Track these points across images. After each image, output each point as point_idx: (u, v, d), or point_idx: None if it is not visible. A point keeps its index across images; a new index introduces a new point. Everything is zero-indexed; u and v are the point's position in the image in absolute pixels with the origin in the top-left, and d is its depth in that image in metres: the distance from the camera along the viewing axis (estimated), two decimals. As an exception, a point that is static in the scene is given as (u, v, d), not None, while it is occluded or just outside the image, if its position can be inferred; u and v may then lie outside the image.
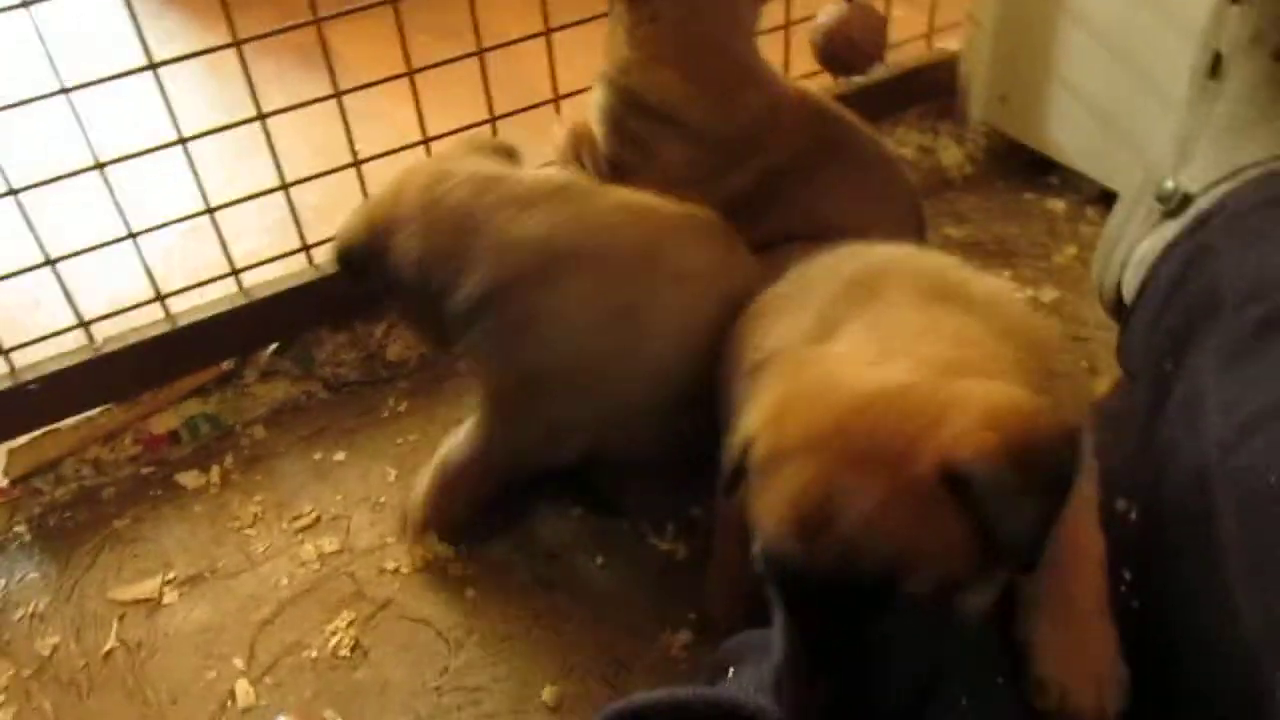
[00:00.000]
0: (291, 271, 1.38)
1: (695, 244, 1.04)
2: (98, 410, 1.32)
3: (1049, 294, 1.39)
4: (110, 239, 1.27)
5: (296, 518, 1.22)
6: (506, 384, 1.05)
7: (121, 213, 1.24)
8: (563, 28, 1.38)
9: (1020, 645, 0.75)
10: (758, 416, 0.70)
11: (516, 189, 1.05)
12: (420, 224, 1.06)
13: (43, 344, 1.29)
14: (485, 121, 1.41)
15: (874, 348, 0.73)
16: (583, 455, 1.10)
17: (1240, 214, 0.91)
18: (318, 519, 1.21)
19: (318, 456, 1.29)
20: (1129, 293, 1.04)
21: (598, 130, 1.23)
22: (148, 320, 1.32)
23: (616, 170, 1.21)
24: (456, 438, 1.12)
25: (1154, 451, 0.80)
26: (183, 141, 1.23)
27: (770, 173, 1.18)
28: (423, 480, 1.14)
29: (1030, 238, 1.50)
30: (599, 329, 1.01)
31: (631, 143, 1.19)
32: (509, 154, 1.18)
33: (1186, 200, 0.98)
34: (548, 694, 1.01)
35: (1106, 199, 1.46)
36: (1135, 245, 1.05)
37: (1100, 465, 0.87)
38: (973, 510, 0.62)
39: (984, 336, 0.73)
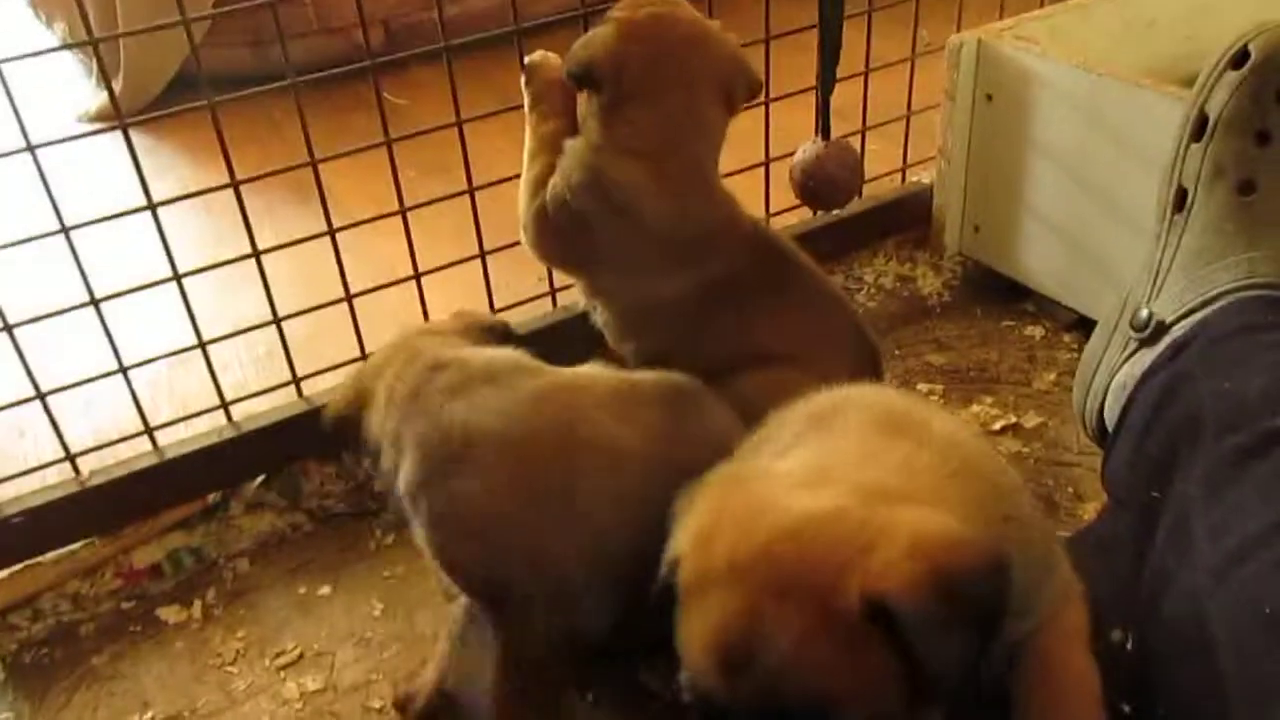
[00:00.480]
0: (280, 404, 1.38)
1: (623, 417, 1.02)
2: (80, 544, 1.30)
3: (1031, 420, 1.41)
4: (99, 373, 1.27)
5: (279, 654, 1.19)
6: (465, 580, 1.03)
7: (114, 347, 1.25)
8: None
9: None
10: (685, 536, 0.69)
11: (458, 374, 1.04)
12: (382, 403, 1.07)
13: (27, 476, 1.28)
14: (474, 257, 1.44)
15: (811, 472, 0.71)
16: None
17: (1216, 340, 0.93)
18: (301, 655, 1.19)
19: (302, 590, 1.27)
20: (1111, 419, 1.06)
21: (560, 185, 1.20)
22: (134, 453, 1.31)
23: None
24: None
25: (1145, 580, 0.80)
26: (178, 278, 1.25)
27: (707, 286, 1.17)
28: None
29: (1010, 364, 1.52)
30: (522, 512, 0.99)
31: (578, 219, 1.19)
32: (502, 334, 1.18)
33: (1161, 328, 1.01)
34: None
35: (1083, 324, 1.50)
36: (1114, 372, 1.07)
37: (1091, 594, 0.87)
38: (899, 643, 0.61)
39: (931, 470, 0.71)
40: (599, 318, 1.24)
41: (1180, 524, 0.78)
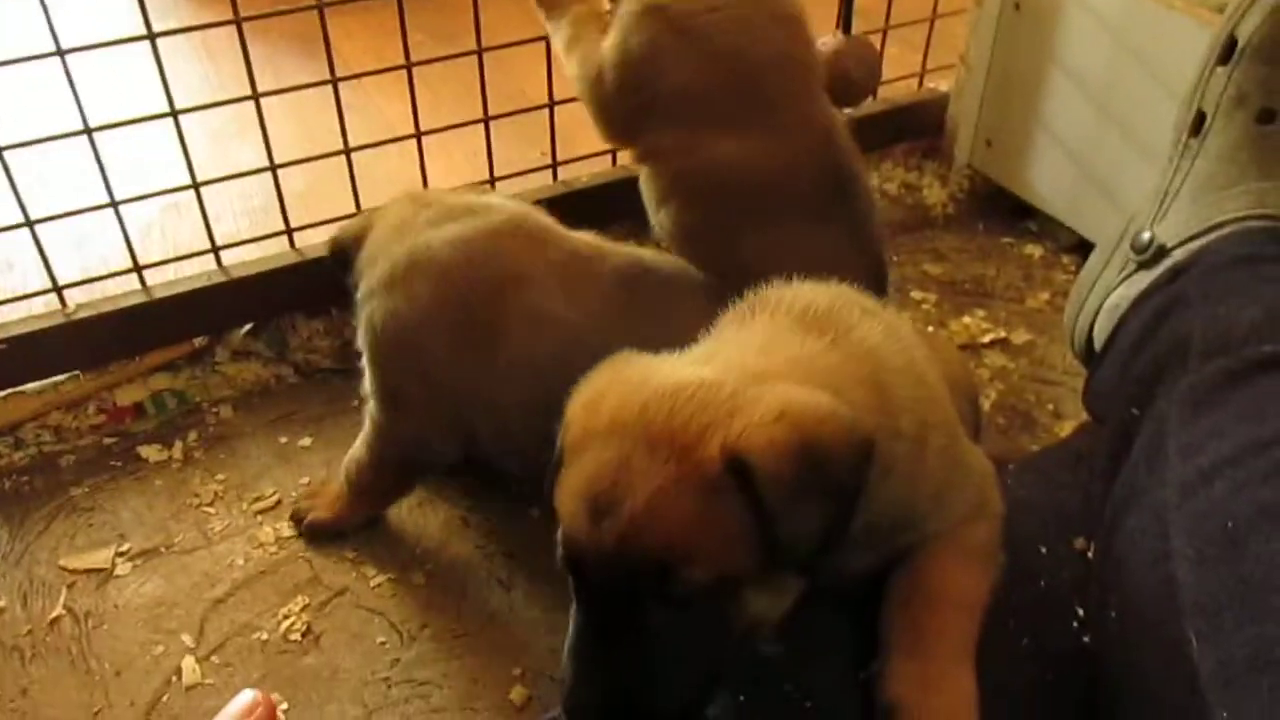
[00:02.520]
0: (271, 254, 1.37)
1: (568, 284, 1.05)
2: (64, 377, 1.30)
3: (1020, 337, 1.41)
4: (91, 205, 1.25)
5: (257, 499, 1.21)
6: (376, 381, 1.09)
7: (106, 180, 1.23)
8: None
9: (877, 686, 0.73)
10: (576, 402, 0.71)
11: (440, 210, 1.09)
12: (375, 233, 1.12)
13: (13, 306, 1.28)
14: (477, 121, 1.41)
15: (704, 355, 0.74)
16: (463, 451, 1.12)
17: (1214, 268, 0.93)
18: (278, 502, 1.21)
19: (283, 440, 1.28)
20: (1100, 339, 1.06)
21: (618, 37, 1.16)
22: (122, 290, 1.31)
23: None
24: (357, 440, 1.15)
25: (1115, 492, 0.81)
26: (174, 114, 1.23)
27: (761, 174, 1.12)
28: (329, 485, 1.19)
29: (1005, 280, 1.52)
30: (436, 341, 1.05)
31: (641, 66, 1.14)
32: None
33: (1162, 252, 1.00)
34: (515, 694, 1.01)
35: (1083, 248, 1.49)
36: (1109, 293, 1.07)
37: (1060, 504, 0.88)
38: (755, 499, 0.62)
39: (830, 370, 0.71)
40: (644, 184, 1.20)
41: (1156, 440, 0.79)
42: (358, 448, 1.14)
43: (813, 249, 1.09)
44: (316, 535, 1.16)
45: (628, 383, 0.69)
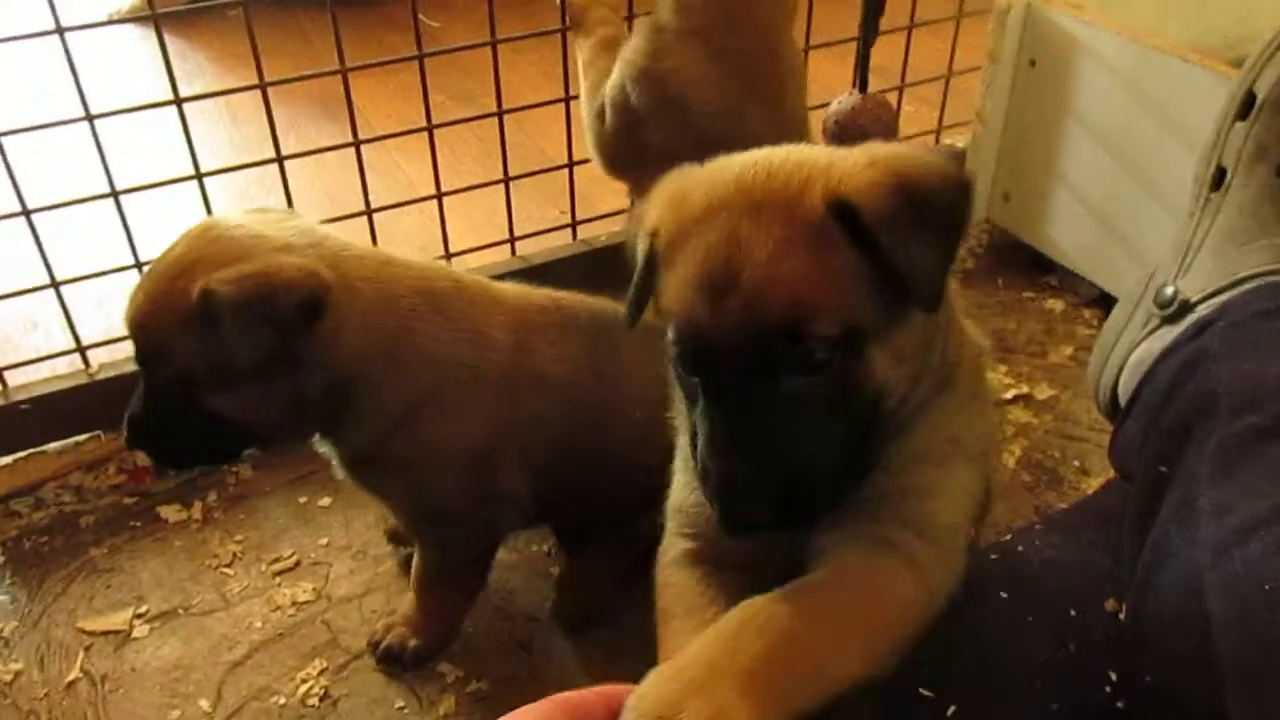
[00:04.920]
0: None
1: (555, 347, 1.04)
2: (85, 436, 1.31)
3: (1044, 392, 1.40)
4: (114, 267, 1.27)
5: (276, 560, 1.20)
6: (421, 504, 1.07)
7: (131, 241, 1.25)
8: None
9: None
10: (655, 210, 0.71)
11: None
12: None
13: (36, 366, 1.29)
14: (498, 181, 1.43)
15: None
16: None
17: (1239, 324, 0.92)
18: (297, 563, 1.20)
19: (303, 500, 1.28)
20: (1125, 394, 1.05)
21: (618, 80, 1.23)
22: (145, 351, 1.31)
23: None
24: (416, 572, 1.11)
25: (1146, 552, 0.79)
26: (199, 177, 1.24)
27: None
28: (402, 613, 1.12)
29: (1027, 335, 1.51)
30: (486, 439, 1.03)
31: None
32: None
33: (1185, 307, 1.00)
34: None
35: (1104, 301, 1.48)
36: (1133, 348, 1.06)
37: (1089, 563, 0.87)
38: (867, 243, 0.63)
39: None
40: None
41: (1186, 499, 0.78)
42: (426, 577, 1.08)
43: None
44: (419, 663, 1.08)
45: (709, 172, 0.70)
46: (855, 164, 0.66)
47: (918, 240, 0.64)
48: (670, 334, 0.67)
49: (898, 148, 0.68)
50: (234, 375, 0.89)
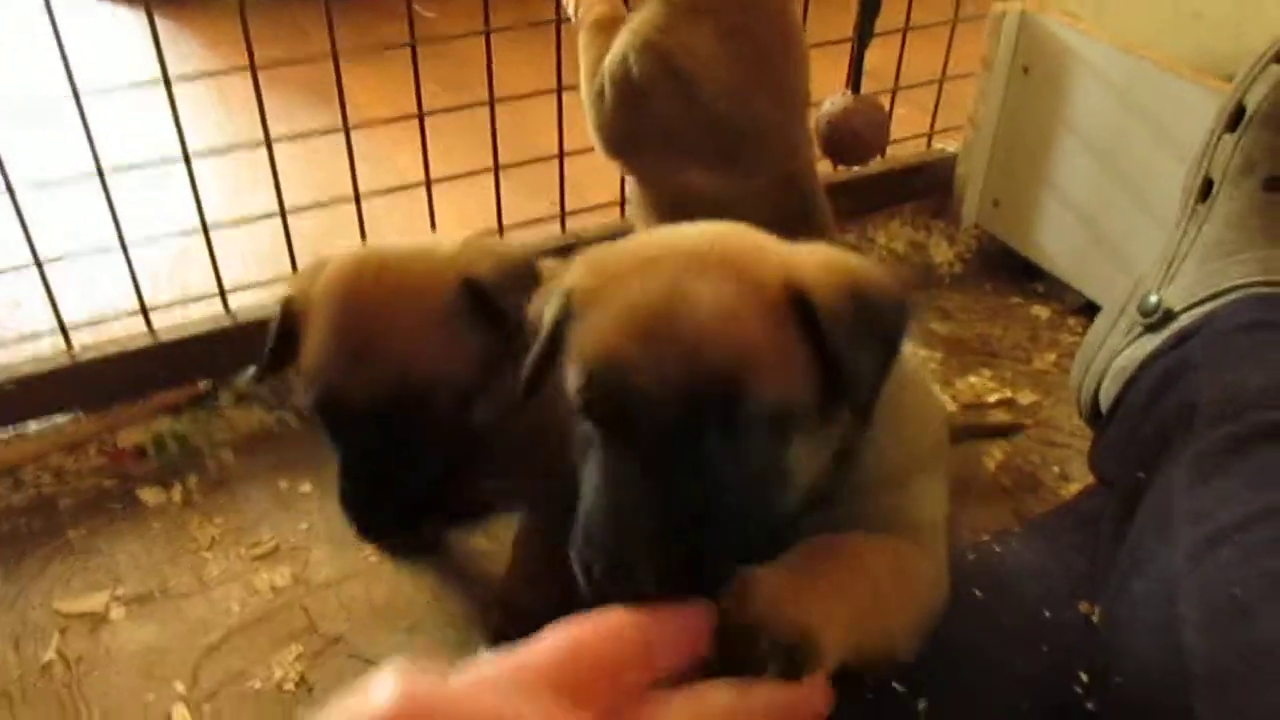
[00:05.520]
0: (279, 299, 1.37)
1: None
2: (66, 418, 1.30)
3: (1026, 397, 1.41)
4: (100, 247, 1.26)
5: (255, 545, 1.20)
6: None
7: (116, 222, 1.24)
8: (574, 87, 1.41)
9: None
10: (571, 274, 0.66)
11: None
12: None
13: (18, 345, 1.28)
14: (487, 170, 1.42)
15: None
16: None
17: (1221, 334, 0.93)
18: (276, 548, 1.20)
19: (284, 485, 1.27)
20: (1106, 401, 1.05)
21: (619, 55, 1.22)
22: (128, 333, 1.31)
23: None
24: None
25: (1121, 557, 0.80)
26: (187, 158, 1.24)
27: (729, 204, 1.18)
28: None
29: (1012, 340, 1.52)
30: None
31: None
32: None
33: (1169, 316, 1.00)
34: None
35: (1089, 310, 1.49)
36: (1115, 355, 1.06)
37: (1066, 567, 0.87)
38: (813, 338, 0.60)
39: None
40: (630, 193, 1.27)
41: (1163, 506, 0.78)
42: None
43: None
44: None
45: (639, 237, 0.67)
46: (810, 260, 0.63)
47: (863, 348, 0.61)
48: (580, 379, 0.61)
49: (847, 255, 0.66)
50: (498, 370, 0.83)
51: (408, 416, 0.82)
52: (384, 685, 0.44)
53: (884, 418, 0.69)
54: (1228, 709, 0.61)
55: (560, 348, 0.65)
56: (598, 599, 0.57)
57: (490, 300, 0.83)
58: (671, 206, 1.21)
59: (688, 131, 1.18)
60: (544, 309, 0.68)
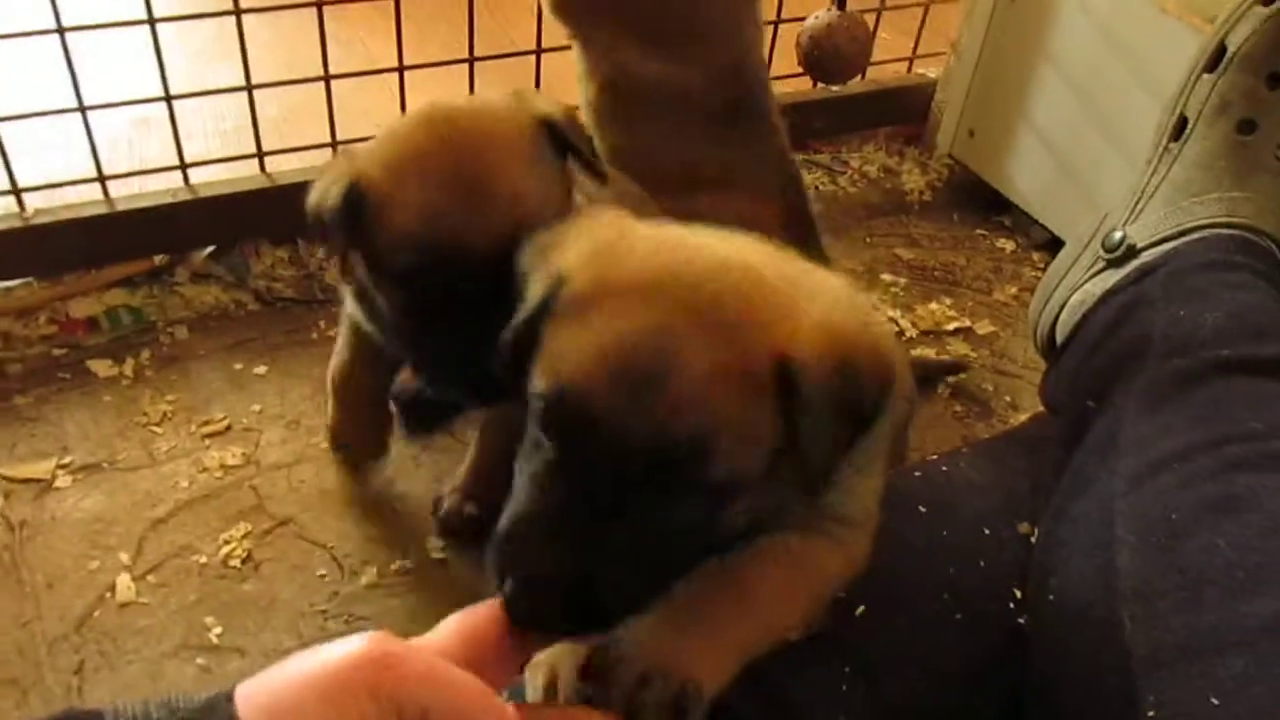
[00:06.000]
0: (241, 176, 1.34)
1: None
2: (17, 283, 1.28)
3: (985, 327, 1.42)
4: (57, 108, 1.22)
5: (207, 423, 1.19)
6: None
7: (75, 84, 1.20)
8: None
9: None
10: (572, 253, 0.64)
11: None
12: None
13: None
14: (462, 60, 1.39)
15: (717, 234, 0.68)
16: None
17: (1181, 271, 0.93)
18: (228, 427, 1.19)
19: (238, 366, 1.26)
20: (1063, 334, 1.06)
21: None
22: (84, 200, 1.28)
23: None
24: None
25: (1064, 480, 0.82)
26: (151, 22, 1.20)
27: (678, 94, 1.21)
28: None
29: (975, 271, 1.53)
30: None
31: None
32: None
33: (1131, 252, 1.01)
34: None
35: (1054, 245, 1.50)
36: (1075, 289, 1.07)
37: (1009, 489, 0.89)
38: (786, 411, 0.59)
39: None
40: (575, 57, 1.26)
41: (1109, 432, 0.80)
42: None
43: (688, 151, 1.23)
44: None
45: (653, 242, 0.63)
46: (813, 322, 0.61)
47: (830, 428, 0.60)
48: (545, 392, 0.59)
49: (854, 311, 0.64)
50: None
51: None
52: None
53: None
54: (1155, 625, 0.63)
55: (540, 327, 0.63)
56: (506, 604, 0.57)
57: (564, 135, 0.87)
58: (609, 85, 1.22)
59: (641, 4, 1.20)
60: (534, 272, 0.66)
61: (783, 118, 1.29)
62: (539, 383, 0.60)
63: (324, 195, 0.84)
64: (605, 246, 0.63)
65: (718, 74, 1.22)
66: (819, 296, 0.63)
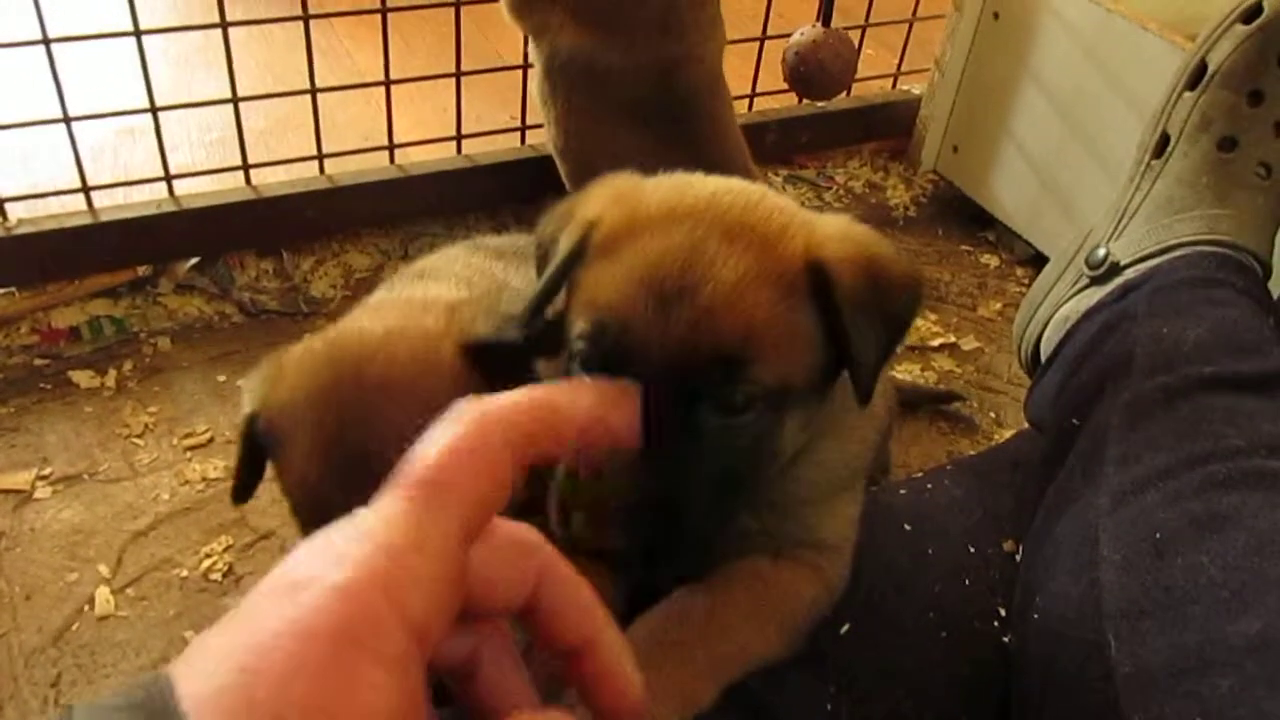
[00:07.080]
0: (226, 188, 1.34)
1: None
2: (-1, 292, 1.27)
3: (970, 343, 1.43)
4: (42, 119, 1.22)
5: (189, 435, 1.18)
6: None
7: (60, 94, 1.20)
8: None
9: None
10: (597, 202, 0.64)
11: None
12: None
13: (-48, 216, 1.24)
14: (449, 75, 1.39)
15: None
16: None
17: (1163, 288, 0.94)
18: (211, 440, 1.18)
19: (221, 378, 1.26)
20: (1047, 350, 1.07)
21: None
22: (67, 210, 1.27)
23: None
24: None
25: (1048, 497, 0.82)
26: (138, 33, 1.19)
27: (629, 83, 1.21)
28: None
29: (960, 287, 1.53)
30: None
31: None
32: None
33: (1115, 269, 1.02)
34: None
35: (1038, 261, 1.51)
36: (1059, 305, 1.08)
37: (993, 506, 0.89)
38: (825, 315, 0.61)
39: None
40: (533, 56, 1.26)
41: (1093, 450, 0.80)
42: None
43: (628, 143, 1.22)
44: None
45: (672, 181, 0.65)
46: (833, 231, 0.62)
47: (873, 327, 0.61)
48: (584, 327, 0.60)
49: (866, 230, 0.65)
50: None
51: None
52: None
53: (830, 431, 0.70)
54: (1140, 644, 0.63)
55: (569, 278, 0.64)
56: (572, 545, 0.56)
57: (492, 361, 0.71)
58: (552, 69, 1.22)
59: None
60: (559, 234, 0.66)
61: (739, 127, 1.31)
62: (579, 324, 0.61)
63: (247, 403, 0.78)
64: (628, 190, 0.65)
65: (659, 69, 1.21)
66: (829, 217, 0.65)
